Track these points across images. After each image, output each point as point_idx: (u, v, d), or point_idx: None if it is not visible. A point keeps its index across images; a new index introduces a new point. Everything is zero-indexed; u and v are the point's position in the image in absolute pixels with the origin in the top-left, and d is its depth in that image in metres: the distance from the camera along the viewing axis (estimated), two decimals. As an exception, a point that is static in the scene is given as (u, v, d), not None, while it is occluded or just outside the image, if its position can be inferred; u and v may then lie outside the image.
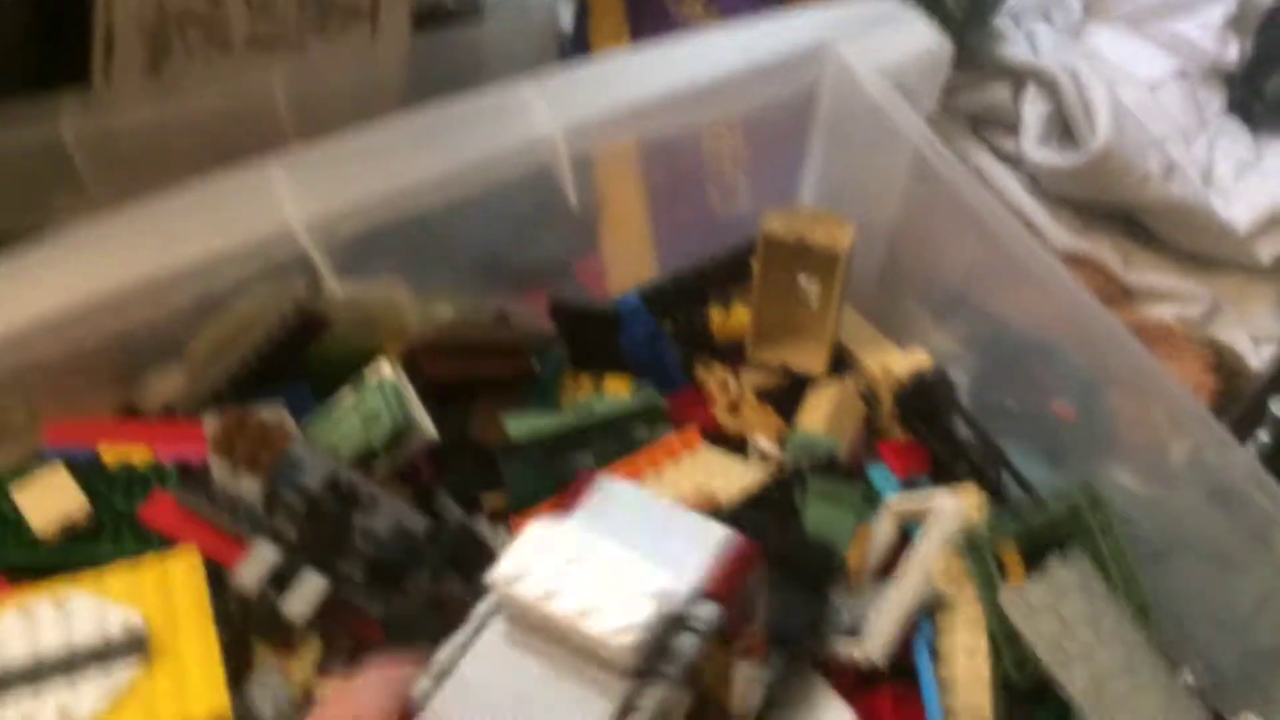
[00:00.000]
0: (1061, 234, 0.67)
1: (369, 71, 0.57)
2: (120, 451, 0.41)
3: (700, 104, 0.47)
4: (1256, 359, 0.62)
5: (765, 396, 0.49)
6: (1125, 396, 0.48)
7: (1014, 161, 0.69)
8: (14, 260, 0.39)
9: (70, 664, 0.34)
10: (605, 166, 0.49)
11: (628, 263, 0.52)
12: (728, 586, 0.25)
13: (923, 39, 0.49)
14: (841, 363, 0.51)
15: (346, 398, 0.43)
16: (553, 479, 0.43)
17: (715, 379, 0.49)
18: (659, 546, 0.25)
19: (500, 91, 0.45)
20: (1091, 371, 0.48)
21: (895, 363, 0.48)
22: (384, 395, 0.42)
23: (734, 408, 0.48)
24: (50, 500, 0.39)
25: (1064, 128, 0.68)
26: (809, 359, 0.50)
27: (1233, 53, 0.72)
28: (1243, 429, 0.56)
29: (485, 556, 0.37)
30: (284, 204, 0.39)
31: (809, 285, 0.51)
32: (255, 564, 0.37)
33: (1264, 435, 0.56)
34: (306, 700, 0.37)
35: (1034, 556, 0.40)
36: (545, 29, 0.63)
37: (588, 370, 0.50)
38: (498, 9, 0.63)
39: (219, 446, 0.40)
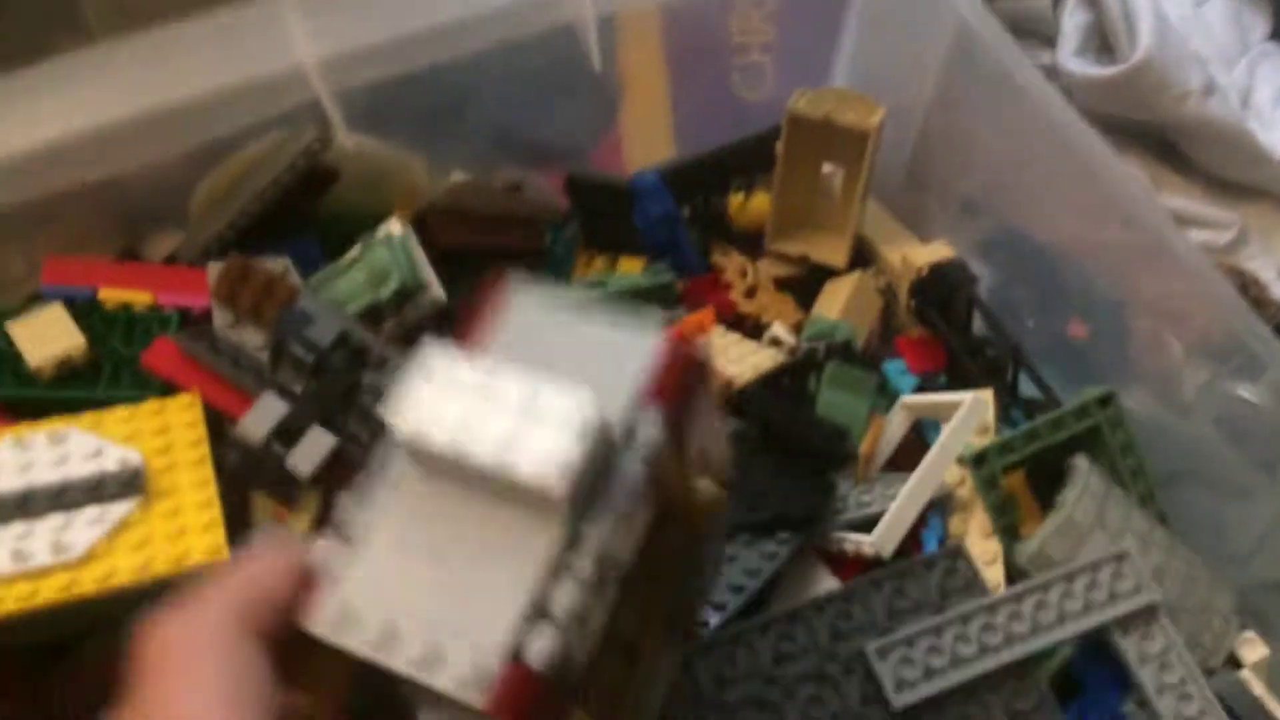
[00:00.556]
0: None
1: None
2: (120, 295, 0.40)
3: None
4: (1280, 290, 0.61)
5: (783, 286, 0.48)
6: (1148, 316, 0.47)
7: (1049, 76, 0.67)
8: (7, 83, 0.37)
9: (65, 498, 0.33)
10: (628, 33, 0.47)
11: (647, 141, 0.50)
12: (668, 395, 0.22)
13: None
14: (862, 258, 0.50)
15: (355, 255, 0.42)
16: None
17: (733, 265, 0.48)
18: (584, 364, 0.22)
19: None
20: (1118, 283, 0.47)
21: (916, 254, 0.47)
22: (393, 252, 0.41)
23: (751, 293, 0.47)
24: (48, 338, 0.38)
25: (1102, 41, 0.65)
26: (830, 250, 0.48)
27: (1283, -25, 0.70)
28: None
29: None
30: (296, 42, 0.38)
31: (834, 175, 0.49)
32: (263, 415, 0.36)
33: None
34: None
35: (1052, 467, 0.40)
36: None
37: (602, 248, 0.48)
38: None
39: (221, 294, 0.39)
